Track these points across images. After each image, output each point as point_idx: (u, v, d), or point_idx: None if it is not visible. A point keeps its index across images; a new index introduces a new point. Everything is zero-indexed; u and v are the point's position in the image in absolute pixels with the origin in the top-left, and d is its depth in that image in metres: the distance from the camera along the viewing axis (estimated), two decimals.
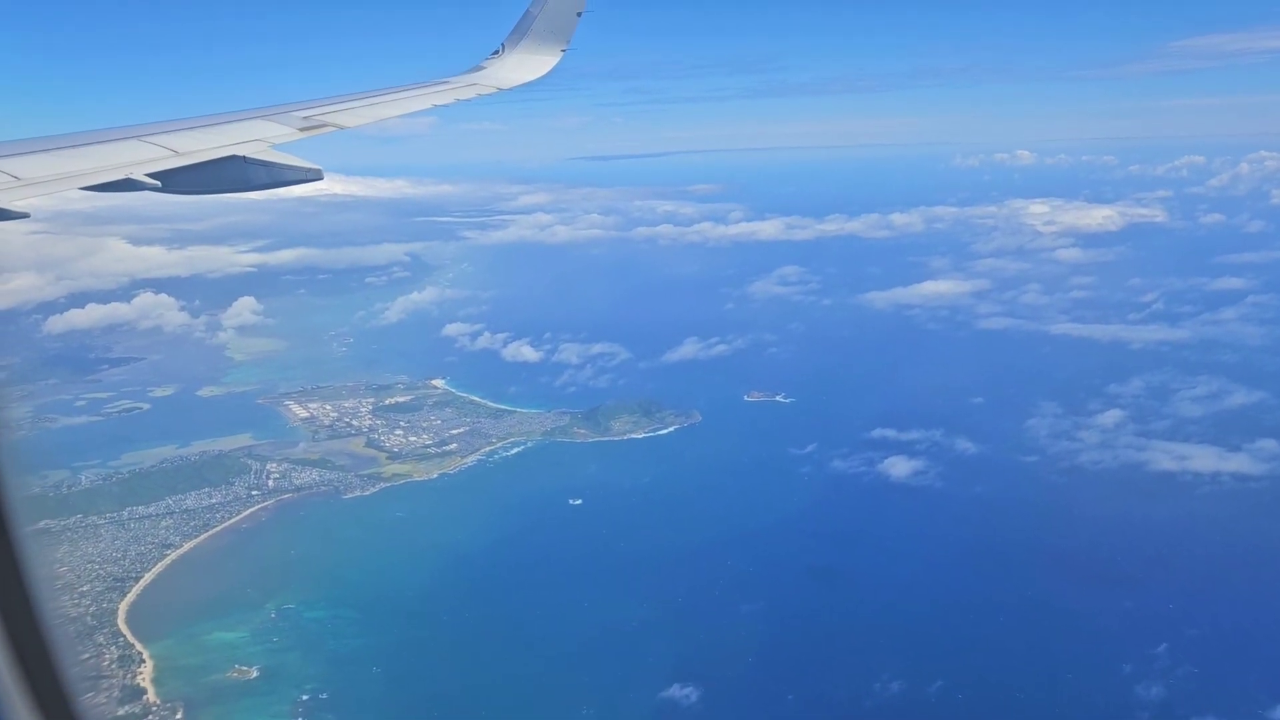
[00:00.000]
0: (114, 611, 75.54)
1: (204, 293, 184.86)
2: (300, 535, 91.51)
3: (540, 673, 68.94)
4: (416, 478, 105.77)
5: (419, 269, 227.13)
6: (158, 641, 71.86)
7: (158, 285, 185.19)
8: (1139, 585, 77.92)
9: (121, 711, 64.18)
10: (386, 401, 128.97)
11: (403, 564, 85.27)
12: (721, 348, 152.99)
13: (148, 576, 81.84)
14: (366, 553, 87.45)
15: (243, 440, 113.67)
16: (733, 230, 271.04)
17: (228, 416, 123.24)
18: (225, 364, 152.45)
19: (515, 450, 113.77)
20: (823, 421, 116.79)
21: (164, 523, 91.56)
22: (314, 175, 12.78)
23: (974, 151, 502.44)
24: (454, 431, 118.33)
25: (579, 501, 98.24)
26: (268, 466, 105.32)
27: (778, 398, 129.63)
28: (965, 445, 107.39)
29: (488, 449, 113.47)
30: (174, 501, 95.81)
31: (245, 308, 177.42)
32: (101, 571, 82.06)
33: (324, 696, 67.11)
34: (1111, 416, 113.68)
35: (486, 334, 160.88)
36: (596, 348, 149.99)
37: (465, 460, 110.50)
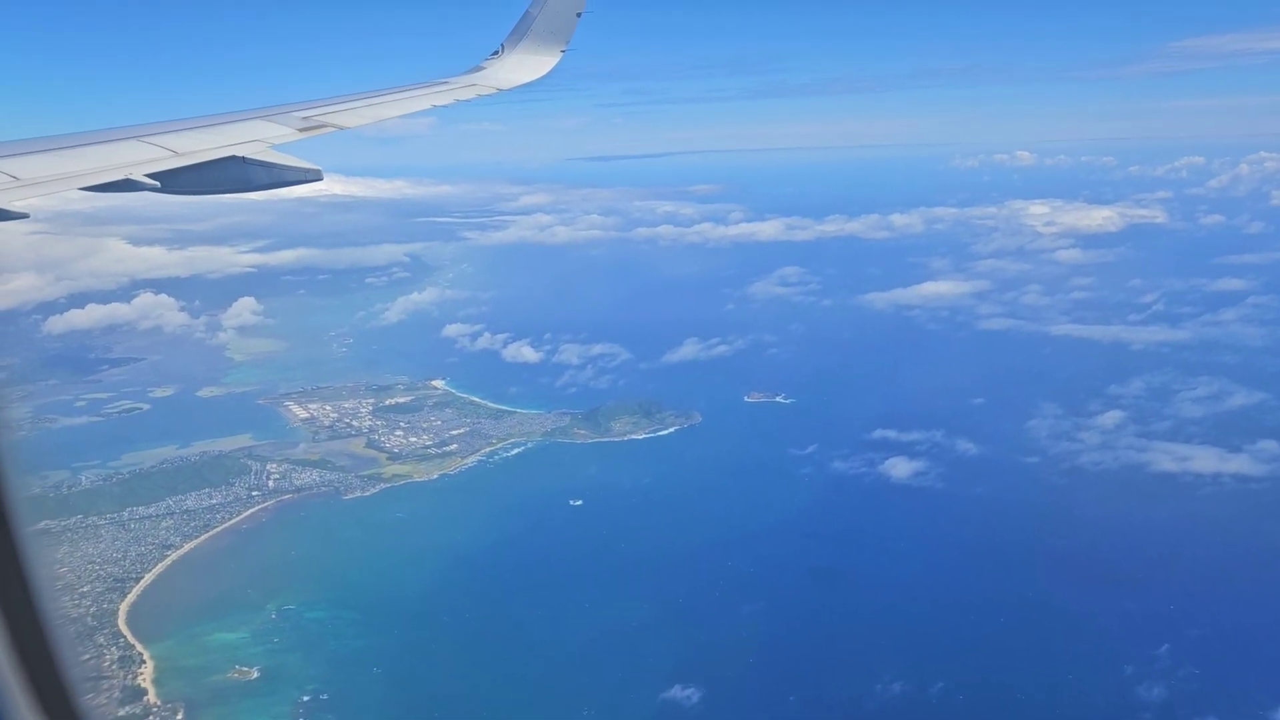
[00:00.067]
0: (114, 612, 75.54)
1: (204, 293, 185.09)
2: (301, 536, 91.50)
3: (541, 674, 68.93)
4: (417, 478, 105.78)
5: (419, 269, 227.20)
6: (158, 642, 71.85)
7: (158, 285, 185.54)
8: (1140, 586, 77.86)
9: (122, 712, 64.18)
10: (387, 402, 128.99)
11: (403, 565, 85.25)
12: (722, 348, 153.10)
13: (148, 577, 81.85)
14: (367, 553, 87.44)
15: (243, 441, 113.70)
16: (733, 231, 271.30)
17: (228, 417, 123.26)
18: (225, 364, 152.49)
19: (516, 451, 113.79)
20: (823, 422, 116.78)
21: (164, 523, 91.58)
22: (314, 176, 12.75)
23: (974, 152, 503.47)
24: (454, 432, 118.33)
25: (579, 502, 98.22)
26: (268, 467, 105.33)
27: (778, 398, 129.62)
28: (966, 446, 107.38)
29: (488, 450, 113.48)
30: (174, 502, 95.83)
31: (245, 308, 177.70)
32: (102, 572, 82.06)
33: (325, 697, 67.10)
34: (1112, 417, 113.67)
35: (487, 335, 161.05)
36: (597, 348, 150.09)
37: (466, 461, 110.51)
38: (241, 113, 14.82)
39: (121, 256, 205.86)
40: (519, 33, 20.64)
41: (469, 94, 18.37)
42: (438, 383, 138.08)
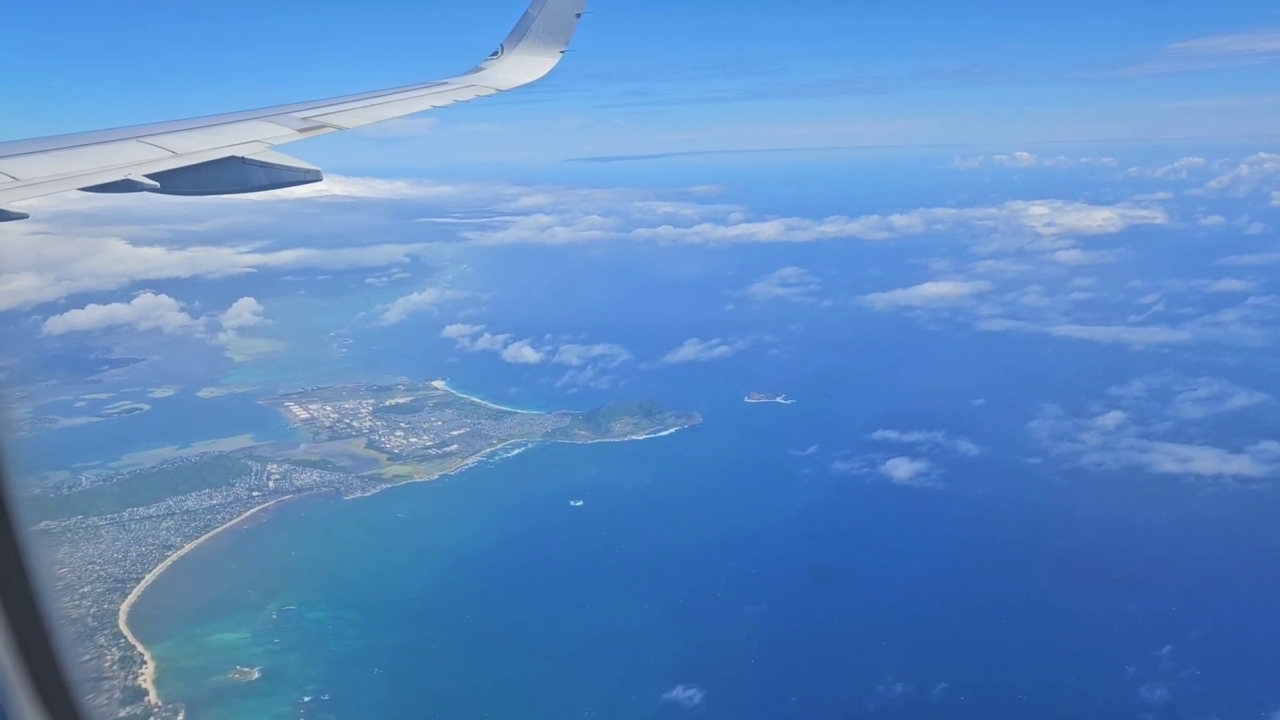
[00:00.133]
0: (115, 613, 75.55)
1: (204, 293, 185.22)
2: (301, 536, 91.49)
3: (542, 674, 68.89)
4: (417, 479, 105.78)
5: (419, 270, 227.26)
6: (159, 643, 71.86)
7: (158, 286, 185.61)
8: (1141, 587, 77.82)
9: (123, 713, 64.18)
10: (387, 403, 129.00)
11: (404, 565, 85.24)
12: (722, 349, 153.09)
13: (149, 578, 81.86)
14: (368, 554, 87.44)
15: (243, 441, 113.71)
16: (733, 231, 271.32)
17: (228, 417, 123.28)
18: (225, 365, 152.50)
19: (516, 451, 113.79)
20: (824, 423, 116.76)
21: (165, 524, 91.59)
22: (313, 176, 12.75)
23: (974, 153, 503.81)
24: (455, 433, 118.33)
25: (580, 503, 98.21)
26: (268, 467, 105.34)
27: (778, 399, 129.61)
28: (967, 447, 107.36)
29: (488, 450, 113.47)
30: (175, 502, 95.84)
31: (245, 308, 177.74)
32: (102, 573, 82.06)
33: (325, 698, 67.10)
34: (1113, 418, 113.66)
35: (487, 335, 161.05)
36: (597, 349, 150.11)
37: (466, 461, 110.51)
38: (241, 113, 14.81)
39: (121, 257, 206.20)
40: (518, 33, 20.63)
41: (469, 94, 18.36)
42: (438, 383, 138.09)
